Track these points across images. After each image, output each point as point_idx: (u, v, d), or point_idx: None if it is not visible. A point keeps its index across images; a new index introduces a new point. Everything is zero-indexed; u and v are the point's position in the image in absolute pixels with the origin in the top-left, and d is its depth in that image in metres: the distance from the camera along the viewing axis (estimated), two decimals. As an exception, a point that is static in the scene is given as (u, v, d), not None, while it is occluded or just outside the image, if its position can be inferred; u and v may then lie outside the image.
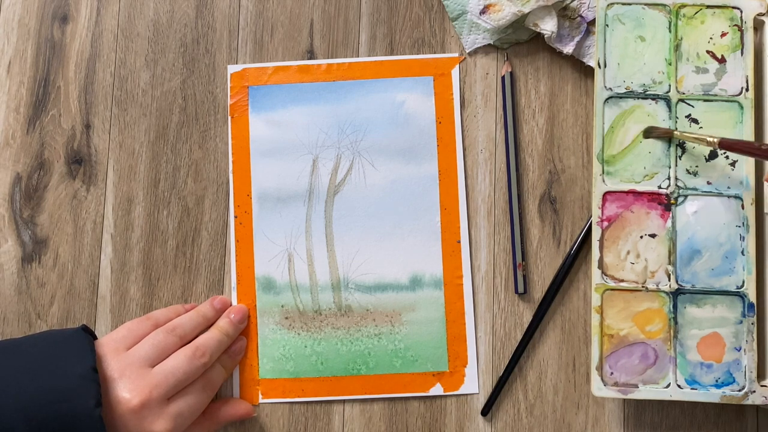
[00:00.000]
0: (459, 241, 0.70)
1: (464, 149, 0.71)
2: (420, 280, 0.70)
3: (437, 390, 0.69)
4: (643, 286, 0.65)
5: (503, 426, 0.68)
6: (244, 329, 0.70)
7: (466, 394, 0.69)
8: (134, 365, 0.62)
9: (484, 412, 0.68)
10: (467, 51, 0.72)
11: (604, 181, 0.66)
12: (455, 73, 0.71)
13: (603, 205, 0.66)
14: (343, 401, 0.69)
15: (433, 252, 0.70)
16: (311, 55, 0.72)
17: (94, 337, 0.65)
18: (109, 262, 0.71)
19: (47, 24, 0.73)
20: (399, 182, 0.71)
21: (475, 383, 0.69)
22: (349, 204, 0.71)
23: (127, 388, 0.61)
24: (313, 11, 0.73)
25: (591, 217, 0.67)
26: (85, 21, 0.73)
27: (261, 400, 0.70)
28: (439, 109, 0.71)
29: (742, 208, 0.65)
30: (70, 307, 0.71)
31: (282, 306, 0.70)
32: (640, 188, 0.65)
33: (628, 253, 0.65)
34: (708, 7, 0.67)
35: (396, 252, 0.70)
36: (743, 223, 0.64)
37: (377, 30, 0.72)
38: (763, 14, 0.66)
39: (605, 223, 0.66)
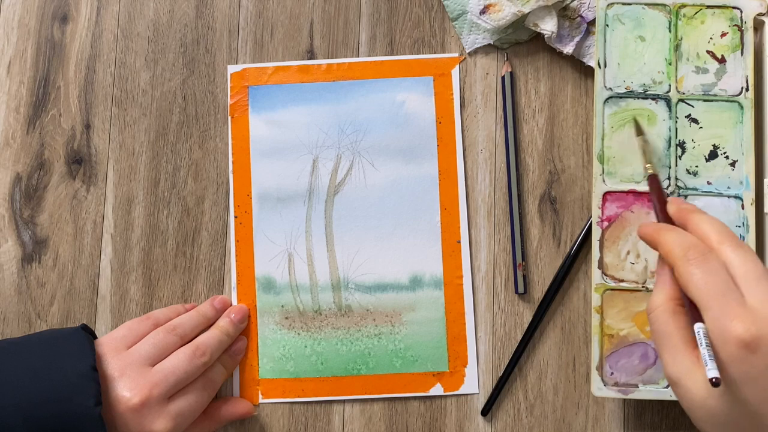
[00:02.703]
0: (459, 241, 0.70)
1: (464, 149, 0.71)
2: (420, 280, 0.70)
3: (437, 390, 0.69)
4: (643, 286, 0.65)
5: (503, 426, 0.68)
6: (244, 329, 0.70)
7: (466, 394, 0.69)
8: (134, 364, 0.62)
9: (484, 412, 0.68)
10: (467, 51, 0.72)
11: (604, 181, 0.66)
12: (455, 73, 0.71)
13: (603, 205, 0.66)
14: (343, 401, 0.69)
15: (433, 252, 0.70)
16: (311, 55, 0.72)
17: (94, 336, 0.65)
18: (109, 262, 0.71)
19: (47, 24, 0.73)
20: (399, 182, 0.71)
21: (475, 383, 0.69)
22: (349, 204, 0.71)
23: (128, 386, 0.61)
24: (313, 11, 0.73)
25: (591, 217, 0.67)
26: (85, 21, 0.73)
27: (261, 400, 0.70)
28: (439, 109, 0.71)
29: (742, 208, 0.65)
30: (70, 307, 0.71)
31: (282, 306, 0.70)
32: (640, 188, 0.65)
33: (628, 253, 0.65)
34: (708, 7, 0.66)
35: (396, 252, 0.70)
36: (743, 223, 0.64)
37: (377, 30, 0.72)
38: (763, 14, 0.66)
39: (605, 223, 0.66)
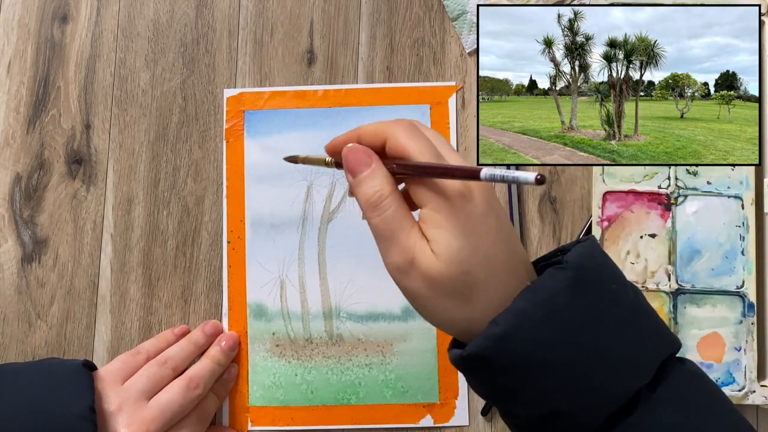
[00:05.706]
0: (453, 273, 0.69)
1: (464, 150, 0.71)
2: (412, 310, 0.69)
3: (427, 421, 0.69)
4: (643, 286, 0.65)
5: (503, 426, 0.68)
6: (235, 356, 0.70)
7: (457, 426, 0.68)
8: (131, 399, 0.62)
9: (484, 412, 0.68)
10: (467, 51, 0.72)
11: (604, 181, 0.66)
12: (452, 101, 0.71)
13: (603, 205, 0.66)
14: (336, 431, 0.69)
15: (426, 283, 0.69)
16: (311, 55, 0.72)
17: (94, 368, 0.64)
18: (109, 262, 0.71)
19: (47, 24, 0.73)
20: (393, 212, 0.70)
21: (465, 415, 0.68)
22: (343, 232, 0.70)
23: (125, 423, 0.61)
24: (313, 11, 0.73)
25: (591, 217, 0.67)
26: (85, 21, 0.73)
27: (250, 428, 0.69)
28: (435, 139, 0.71)
29: (742, 208, 0.65)
30: (70, 307, 0.71)
31: (273, 333, 0.70)
32: (640, 188, 0.65)
33: (628, 253, 0.65)
34: (708, 6, 0.67)
35: (389, 281, 0.69)
36: (743, 223, 0.64)
37: (377, 30, 0.72)
38: (763, 14, 0.66)
39: (605, 223, 0.66)
